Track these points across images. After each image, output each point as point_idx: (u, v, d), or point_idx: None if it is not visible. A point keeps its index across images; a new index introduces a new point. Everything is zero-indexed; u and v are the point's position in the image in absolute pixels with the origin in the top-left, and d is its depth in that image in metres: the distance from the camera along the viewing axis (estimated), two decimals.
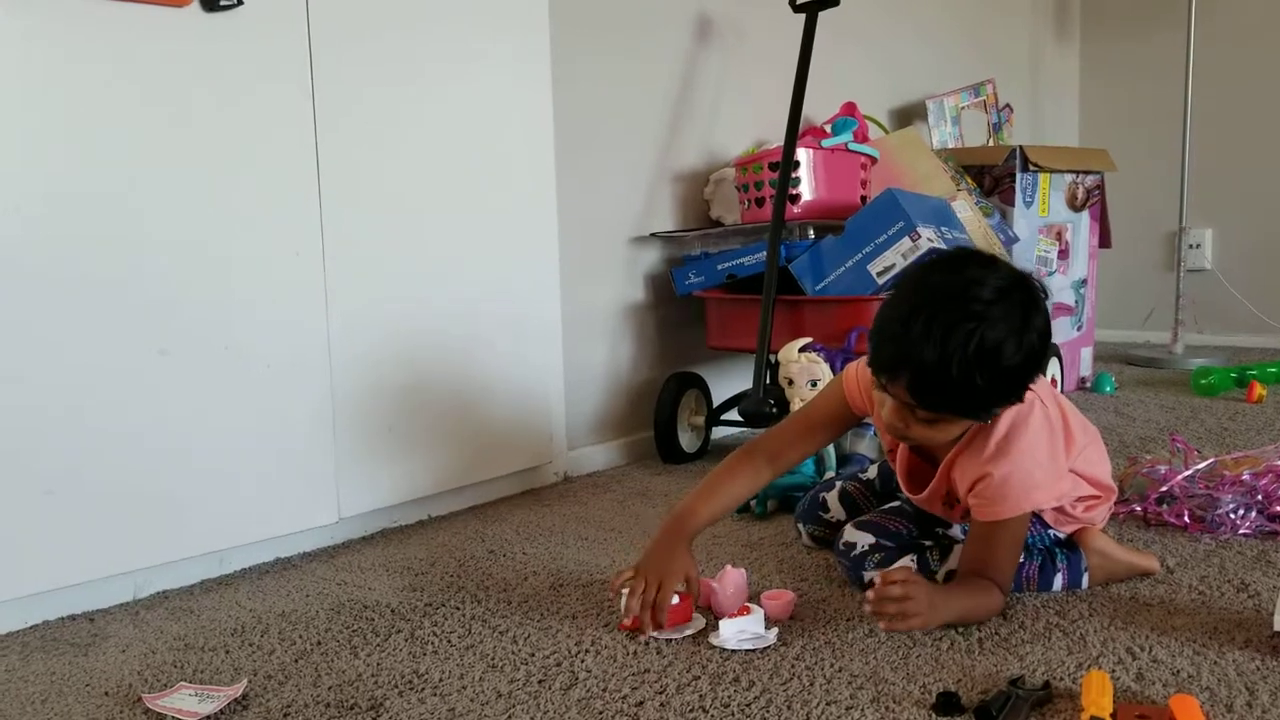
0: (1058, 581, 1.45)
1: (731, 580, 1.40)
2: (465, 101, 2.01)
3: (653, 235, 2.54)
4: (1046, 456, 1.36)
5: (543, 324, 2.20)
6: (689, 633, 1.34)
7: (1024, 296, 1.25)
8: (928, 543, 1.45)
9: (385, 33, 1.86)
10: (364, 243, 1.84)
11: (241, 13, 1.64)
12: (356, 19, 1.81)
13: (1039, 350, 1.25)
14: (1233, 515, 1.68)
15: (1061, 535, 1.50)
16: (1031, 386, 1.29)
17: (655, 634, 1.34)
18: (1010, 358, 1.22)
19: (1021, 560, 1.42)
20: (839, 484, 1.73)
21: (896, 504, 1.57)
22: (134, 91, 1.55)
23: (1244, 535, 1.66)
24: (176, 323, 1.60)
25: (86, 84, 1.50)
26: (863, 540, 1.48)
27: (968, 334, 1.20)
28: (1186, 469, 1.80)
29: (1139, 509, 1.77)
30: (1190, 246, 3.85)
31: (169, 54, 1.58)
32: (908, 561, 1.44)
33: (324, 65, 1.76)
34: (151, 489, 1.58)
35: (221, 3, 1.62)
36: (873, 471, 1.77)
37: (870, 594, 1.27)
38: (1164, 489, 1.78)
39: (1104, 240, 3.25)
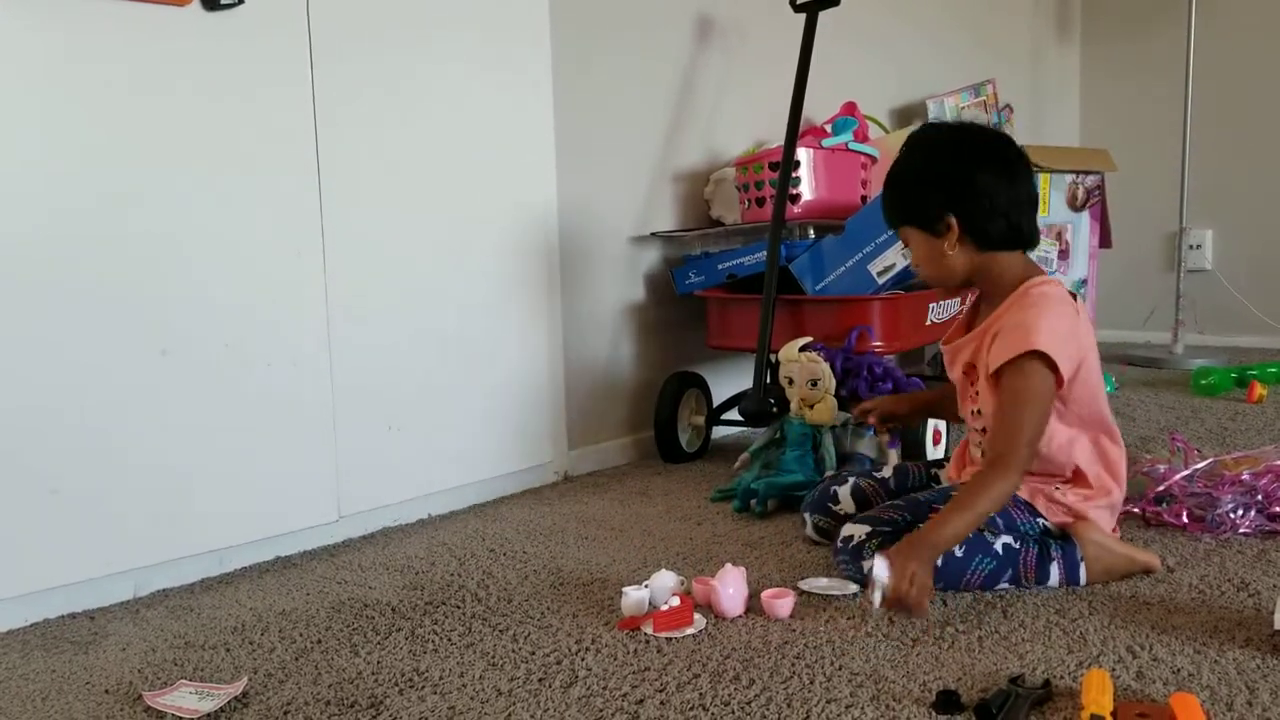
0: (1054, 573, 1.45)
1: (732, 579, 1.40)
2: (465, 101, 2.01)
3: (653, 235, 2.54)
4: (1065, 326, 1.46)
5: (543, 323, 2.20)
6: (689, 633, 1.34)
7: (946, 134, 1.56)
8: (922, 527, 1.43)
9: (385, 32, 1.86)
10: (364, 242, 1.84)
11: (242, 12, 1.65)
12: (356, 19, 1.81)
13: (940, 155, 1.52)
14: (1232, 515, 1.68)
15: (1050, 524, 1.50)
16: (1050, 280, 1.51)
17: (655, 635, 1.34)
18: (908, 155, 1.54)
19: (1017, 547, 1.44)
20: (853, 479, 1.73)
21: (889, 503, 1.56)
22: (135, 91, 1.55)
23: (1244, 535, 1.66)
24: (177, 322, 1.60)
25: (87, 83, 1.51)
26: (859, 531, 1.50)
27: (896, 159, 1.56)
28: (1186, 468, 1.80)
29: (1138, 509, 1.76)
30: (1191, 247, 3.85)
31: (170, 54, 1.58)
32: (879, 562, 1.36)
33: (324, 65, 1.76)
34: (152, 487, 1.58)
35: (222, 2, 1.62)
36: (888, 471, 1.76)
37: (873, 596, 1.30)
38: (1162, 488, 1.78)
39: (1104, 240, 3.25)
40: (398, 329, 1.91)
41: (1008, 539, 1.45)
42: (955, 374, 1.62)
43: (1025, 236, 1.52)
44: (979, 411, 1.55)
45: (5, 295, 1.44)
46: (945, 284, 1.59)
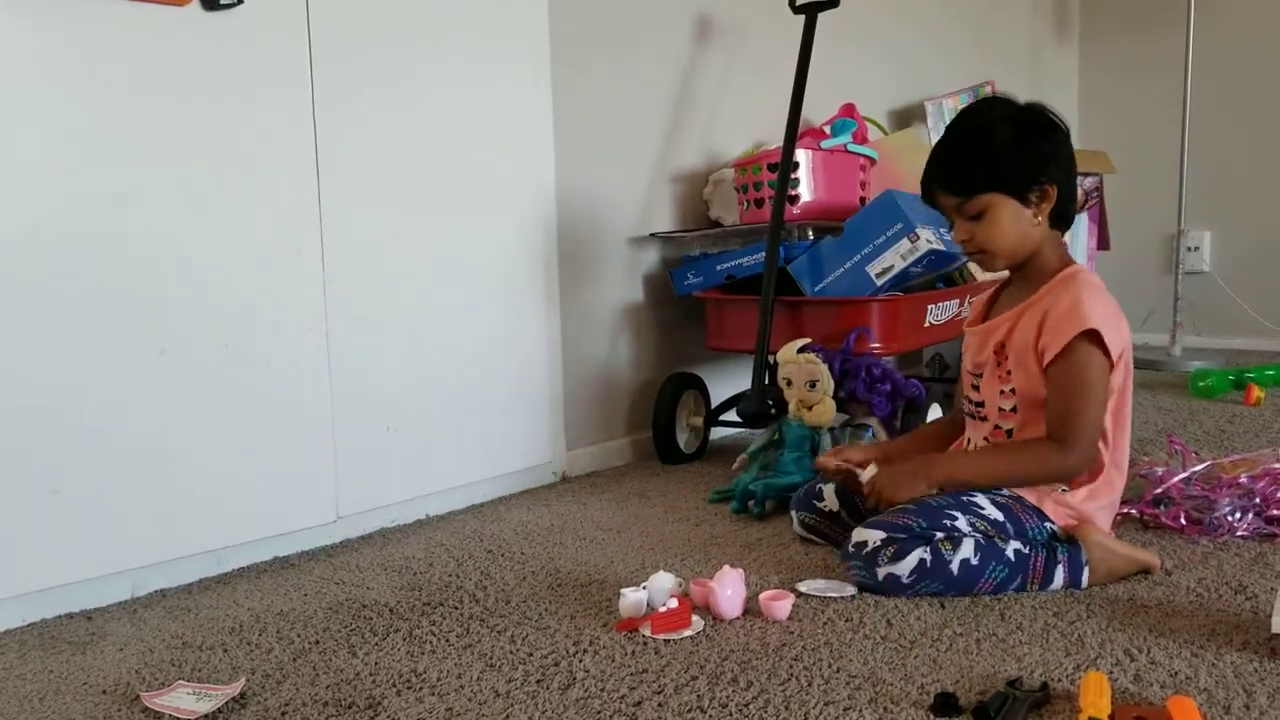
0: (1059, 576, 1.44)
1: (730, 581, 1.40)
2: (464, 101, 2.01)
3: (652, 236, 2.54)
4: (1114, 311, 1.51)
5: (542, 323, 2.20)
6: (687, 634, 1.34)
7: (1022, 105, 1.54)
8: (939, 534, 1.43)
9: (385, 31, 1.86)
10: (363, 243, 1.84)
11: (242, 12, 1.65)
12: (356, 19, 1.81)
13: (1033, 126, 1.52)
14: (1230, 518, 1.68)
15: (1057, 528, 1.50)
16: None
17: (653, 636, 1.34)
18: (1000, 123, 1.51)
19: (1026, 552, 1.44)
20: None
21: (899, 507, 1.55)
22: (134, 91, 1.55)
23: (1241, 537, 1.66)
24: (176, 322, 1.60)
25: (87, 83, 1.51)
26: (873, 537, 1.45)
27: (964, 116, 1.58)
28: (1184, 471, 1.81)
29: (1136, 511, 1.77)
30: (1189, 249, 3.86)
31: (169, 53, 1.58)
32: (921, 552, 1.41)
33: (324, 65, 1.76)
34: (151, 487, 1.58)
35: (222, 2, 1.62)
36: (872, 469, 1.77)
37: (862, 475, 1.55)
38: (1160, 491, 1.78)
39: (1102, 242, 3.26)
40: (396, 329, 1.91)
41: (1018, 544, 1.45)
42: (982, 357, 1.61)
43: (1073, 218, 1.58)
44: (1011, 390, 1.56)
45: (5, 295, 1.43)
46: (1012, 258, 1.56)
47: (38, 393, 1.47)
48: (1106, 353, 1.48)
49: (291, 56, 1.73)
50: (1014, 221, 1.52)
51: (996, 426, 1.59)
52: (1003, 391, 1.58)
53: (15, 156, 1.44)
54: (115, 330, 1.54)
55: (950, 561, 1.41)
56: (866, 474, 1.57)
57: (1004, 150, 1.51)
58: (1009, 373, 1.57)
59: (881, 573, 1.42)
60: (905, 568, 1.41)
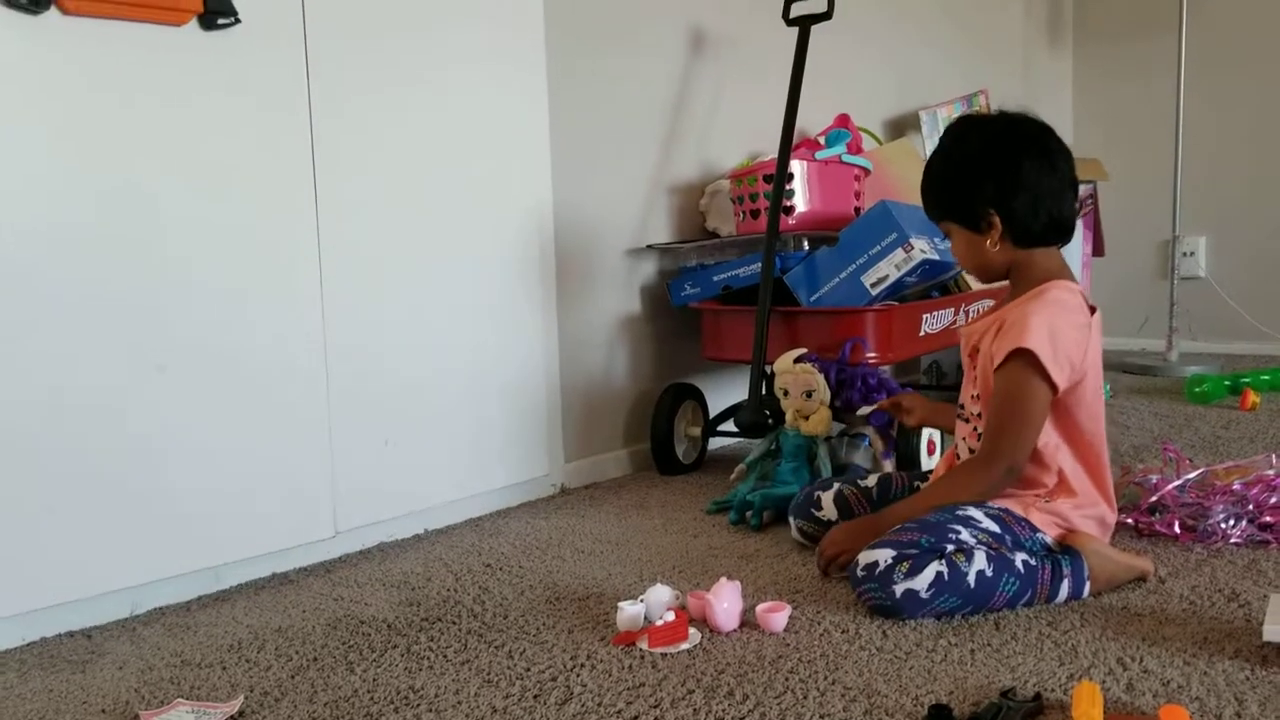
0: (1064, 589, 1.44)
1: (726, 593, 1.41)
2: (461, 114, 2.02)
3: (649, 247, 2.55)
4: (1067, 333, 1.49)
5: (540, 335, 2.21)
6: (684, 648, 1.35)
7: (989, 127, 1.59)
8: (949, 547, 1.42)
9: (382, 45, 1.88)
10: (361, 256, 1.85)
11: (239, 30, 1.66)
12: (352, 32, 1.83)
13: (984, 154, 1.55)
14: (1223, 525, 1.69)
15: (1049, 539, 1.51)
16: (1073, 288, 1.54)
17: (651, 650, 1.34)
18: (949, 154, 1.59)
19: (1034, 564, 1.44)
20: (837, 485, 1.77)
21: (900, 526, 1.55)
22: (132, 107, 1.56)
23: (1235, 544, 1.67)
24: (174, 338, 1.61)
25: (86, 99, 1.52)
26: (883, 555, 1.42)
27: (939, 143, 1.63)
28: (1178, 478, 1.81)
29: (1130, 519, 1.77)
30: (1184, 254, 3.87)
31: (167, 70, 1.59)
32: (938, 565, 1.39)
33: (320, 78, 1.77)
34: (149, 504, 1.59)
35: (219, 21, 1.63)
36: (872, 480, 1.78)
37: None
38: (1155, 498, 1.79)
39: (1097, 249, 3.27)
40: (394, 342, 1.91)
41: (1024, 556, 1.45)
42: (964, 359, 1.66)
43: (1067, 227, 1.57)
44: (977, 396, 1.59)
45: (3, 310, 1.44)
46: (983, 278, 1.66)
47: (35, 409, 1.47)
48: (1047, 375, 1.47)
49: (288, 72, 1.74)
50: (966, 245, 1.60)
51: (974, 429, 1.61)
52: (973, 396, 1.61)
53: (15, 172, 1.45)
54: (113, 346, 1.54)
55: (967, 573, 1.39)
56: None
57: (946, 183, 1.59)
58: (977, 378, 1.59)
59: (899, 589, 1.39)
60: (923, 582, 1.38)
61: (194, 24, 1.62)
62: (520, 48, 2.14)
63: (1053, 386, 1.48)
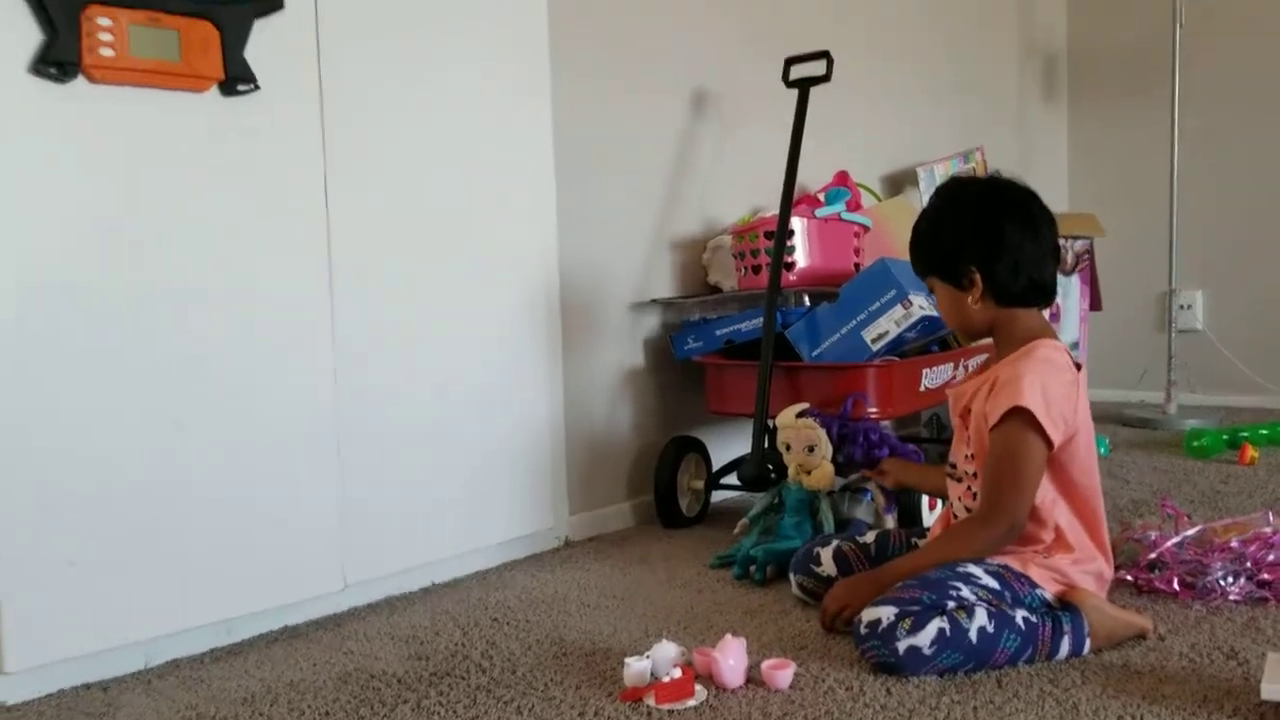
0: (1065, 646, 1.46)
1: (732, 650, 1.43)
2: (470, 164, 2.07)
3: (653, 301, 2.59)
4: (1057, 391, 1.53)
5: (545, 388, 2.24)
6: (690, 704, 1.37)
7: (974, 188, 1.66)
8: (950, 604, 1.44)
9: (395, 105, 1.93)
10: (371, 313, 1.89)
11: (258, 94, 1.71)
12: (366, 91, 1.88)
13: (967, 213, 1.61)
14: (1222, 582, 1.71)
15: (1049, 595, 1.53)
16: (1059, 346, 1.59)
17: (658, 706, 1.36)
18: (935, 212, 1.66)
19: (1035, 621, 1.45)
20: (835, 542, 1.79)
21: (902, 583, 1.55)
22: (151, 165, 1.61)
23: (1234, 601, 1.69)
24: (191, 394, 1.65)
25: (110, 161, 1.57)
26: (886, 613, 1.43)
27: (929, 202, 1.70)
28: (1176, 535, 1.84)
29: (1130, 575, 1.80)
30: (1181, 307, 3.91)
31: (189, 133, 1.65)
32: (940, 622, 1.41)
33: (335, 138, 1.83)
34: (164, 557, 1.62)
35: (239, 88, 1.68)
36: (870, 536, 1.81)
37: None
38: (1154, 555, 1.81)
39: (1094, 303, 3.31)
40: (402, 399, 1.95)
41: (1024, 613, 1.47)
42: (953, 420, 1.70)
43: (1047, 291, 1.62)
44: (971, 456, 1.62)
45: (24, 372, 1.48)
46: (965, 334, 1.71)
47: (58, 465, 1.51)
48: (1042, 431, 1.51)
49: (304, 133, 1.79)
50: (949, 302, 1.65)
51: (968, 488, 1.64)
52: (966, 455, 1.64)
53: (42, 229, 1.50)
54: (132, 400, 1.58)
55: (968, 630, 1.41)
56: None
57: (930, 240, 1.66)
58: (969, 438, 1.62)
59: (902, 646, 1.40)
60: (926, 638, 1.40)
61: (215, 90, 1.67)
62: (528, 110, 2.19)
63: (1048, 443, 1.52)
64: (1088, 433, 1.59)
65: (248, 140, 1.71)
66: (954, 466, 1.68)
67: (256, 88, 1.70)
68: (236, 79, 1.68)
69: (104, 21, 1.53)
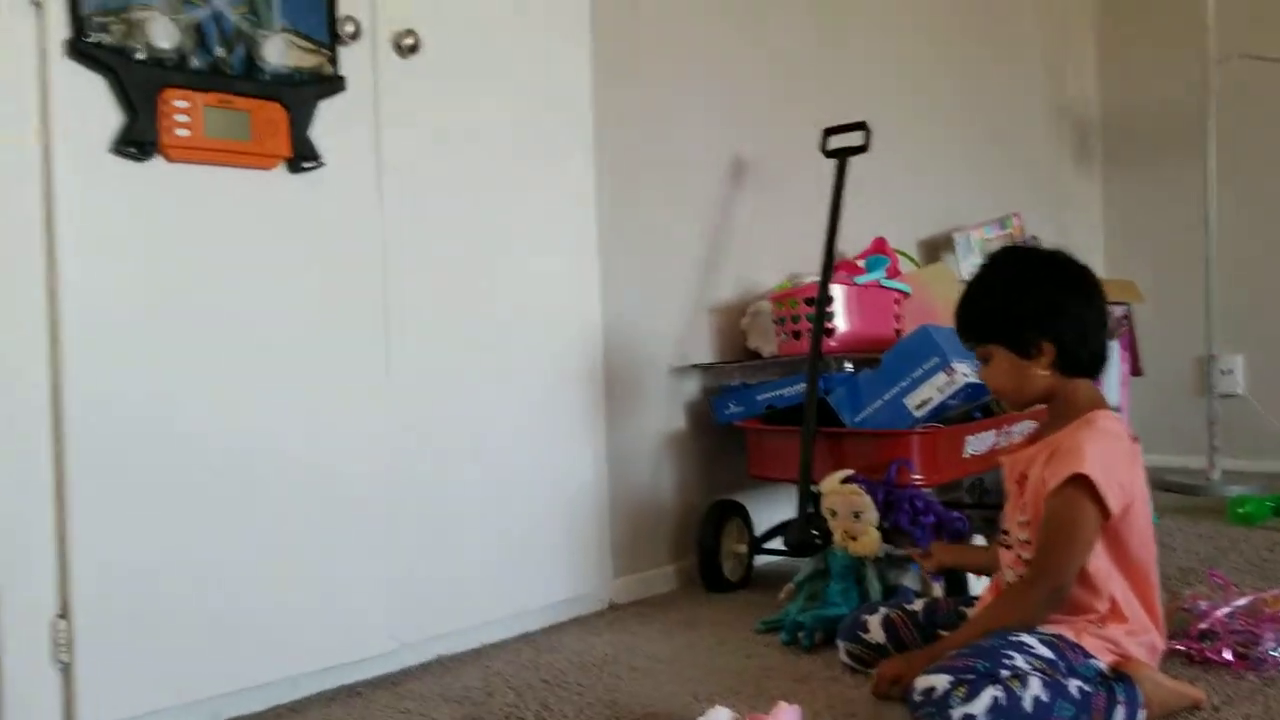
0: (1119, 716, 1.45)
1: (786, 717, 1.44)
2: (518, 243, 2.13)
3: (693, 366, 2.63)
4: (1115, 457, 1.56)
5: (589, 451, 2.28)
6: None
7: (1037, 258, 1.69)
8: (1005, 673, 1.44)
9: (448, 181, 1.99)
10: (422, 379, 1.95)
11: (322, 170, 1.78)
12: (421, 166, 1.96)
13: (1038, 282, 1.64)
14: (1274, 653, 1.71)
15: (1103, 665, 1.53)
16: (1117, 418, 1.62)
17: None
18: (1005, 279, 1.66)
19: (1089, 690, 1.45)
20: (883, 610, 1.80)
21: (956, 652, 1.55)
22: (226, 242, 1.69)
23: None
24: (255, 463, 1.70)
25: (184, 234, 1.65)
26: (940, 681, 1.43)
27: (984, 266, 1.71)
28: (1227, 605, 1.83)
29: (1181, 645, 1.79)
30: (1222, 372, 3.88)
31: (258, 209, 1.73)
32: (994, 690, 1.41)
33: (393, 215, 1.90)
34: (228, 619, 1.66)
35: (304, 165, 1.75)
36: (919, 604, 1.82)
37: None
38: (1205, 625, 1.81)
39: (1135, 369, 3.31)
40: (451, 463, 1.99)
41: (1079, 682, 1.46)
42: (1008, 486, 1.71)
43: (1105, 360, 1.66)
44: (1026, 522, 1.63)
45: (106, 442, 1.55)
46: (1019, 403, 1.69)
47: (130, 533, 1.57)
48: (1100, 500, 1.52)
49: (364, 207, 1.86)
50: (1011, 370, 1.64)
51: (1019, 556, 1.65)
52: (1020, 522, 1.65)
53: (119, 298, 1.58)
54: (197, 467, 1.64)
55: (1023, 699, 1.41)
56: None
57: (1002, 307, 1.64)
58: (1025, 505, 1.63)
59: (957, 715, 1.40)
60: (980, 707, 1.40)
61: (282, 167, 1.74)
62: (572, 179, 2.26)
63: (1105, 512, 1.53)
64: (1144, 502, 1.61)
65: (311, 214, 1.78)
66: (1006, 533, 1.69)
67: (321, 164, 1.77)
68: (302, 157, 1.75)
69: (180, 104, 1.61)
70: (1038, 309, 1.62)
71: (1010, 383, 1.66)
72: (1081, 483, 1.52)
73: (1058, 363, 1.62)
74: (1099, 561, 1.56)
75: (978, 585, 2.13)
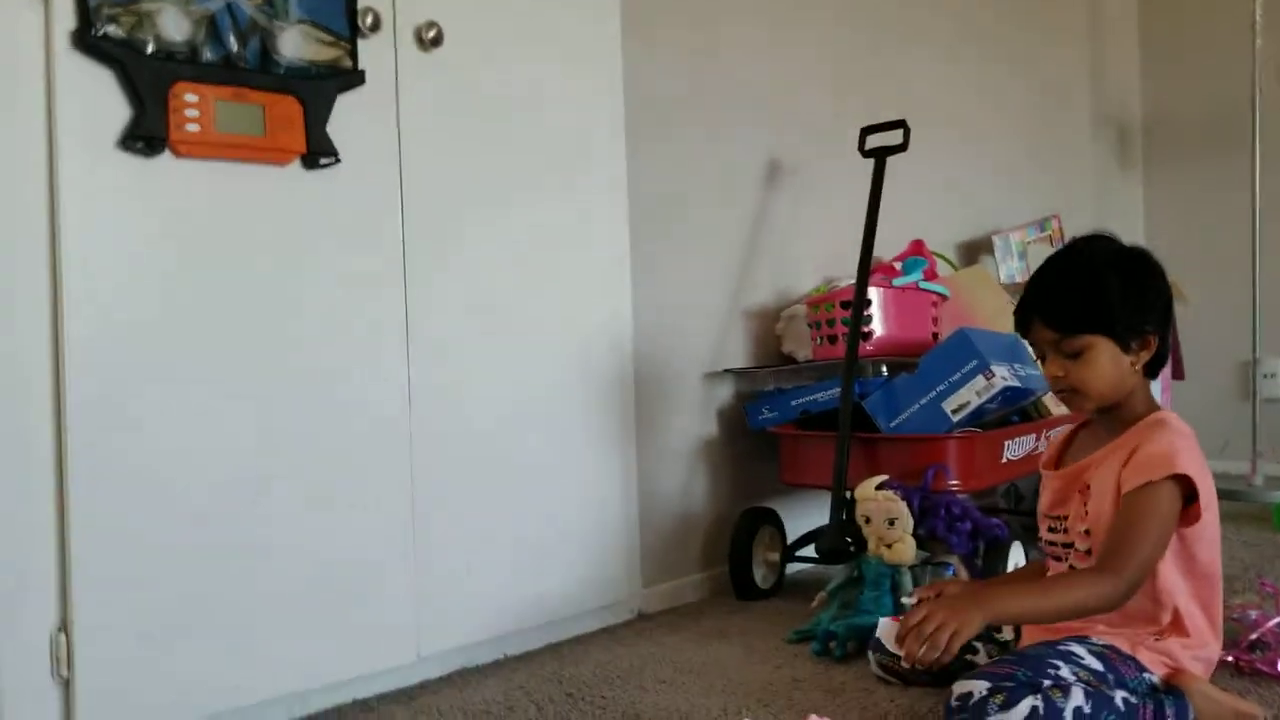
0: None
1: None
2: (546, 245, 2.07)
3: (727, 371, 2.57)
4: (1200, 460, 1.50)
5: (618, 458, 2.22)
6: None
7: (1134, 249, 1.57)
8: (1046, 682, 1.37)
9: (476, 180, 1.94)
10: (447, 383, 1.89)
11: (339, 167, 1.74)
12: (444, 172, 1.90)
13: (1142, 272, 1.53)
14: None
15: (1156, 679, 1.46)
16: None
17: None
18: (1112, 266, 1.52)
19: (1135, 702, 1.39)
20: None
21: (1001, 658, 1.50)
22: (238, 239, 1.65)
23: None
24: (272, 466, 1.66)
25: (195, 232, 1.60)
26: (978, 687, 1.37)
27: (1072, 253, 1.59)
28: (1277, 614, 1.76)
29: (1231, 656, 1.72)
30: (1265, 376, 3.79)
31: (272, 206, 1.68)
32: (1033, 699, 1.34)
33: (413, 213, 1.85)
34: (236, 632, 1.62)
35: (321, 161, 1.71)
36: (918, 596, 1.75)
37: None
38: (1255, 635, 1.74)
39: (1177, 372, 3.23)
40: (476, 472, 1.94)
41: (1124, 694, 1.40)
42: (1066, 500, 1.60)
43: (1165, 362, 1.59)
44: (1087, 532, 1.54)
45: (104, 431, 1.51)
46: (1108, 400, 1.54)
47: (129, 545, 1.53)
48: (1192, 501, 1.46)
49: (383, 205, 1.81)
50: (1112, 365, 1.51)
51: (1071, 567, 1.57)
52: (1082, 531, 1.57)
53: (129, 295, 1.54)
54: (217, 477, 1.60)
55: (1063, 710, 1.34)
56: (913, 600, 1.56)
57: (1115, 295, 1.49)
58: (1088, 513, 1.55)
59: None
60: (1017, 715, 1.33)
61: (297, 163, 1.70)
62: (604, 179, 2.20)
63: (1195, 515, 1.48)
64: (1214, 509, 1.54)
65: (328, 213, 1.74)
66: (1065, 547, 1.61)
67: (338, 161, 1.73)
68: (318, 153, 1.70)
69: (191, 98, 1.56)
70: (1154, 301, 1.53)
71: (1110, 377, 1.51)
72: (1177, 482, 1.45)
73: (1148, 360, 1.54)
74: (1166, 571, 1.49)
75: None
